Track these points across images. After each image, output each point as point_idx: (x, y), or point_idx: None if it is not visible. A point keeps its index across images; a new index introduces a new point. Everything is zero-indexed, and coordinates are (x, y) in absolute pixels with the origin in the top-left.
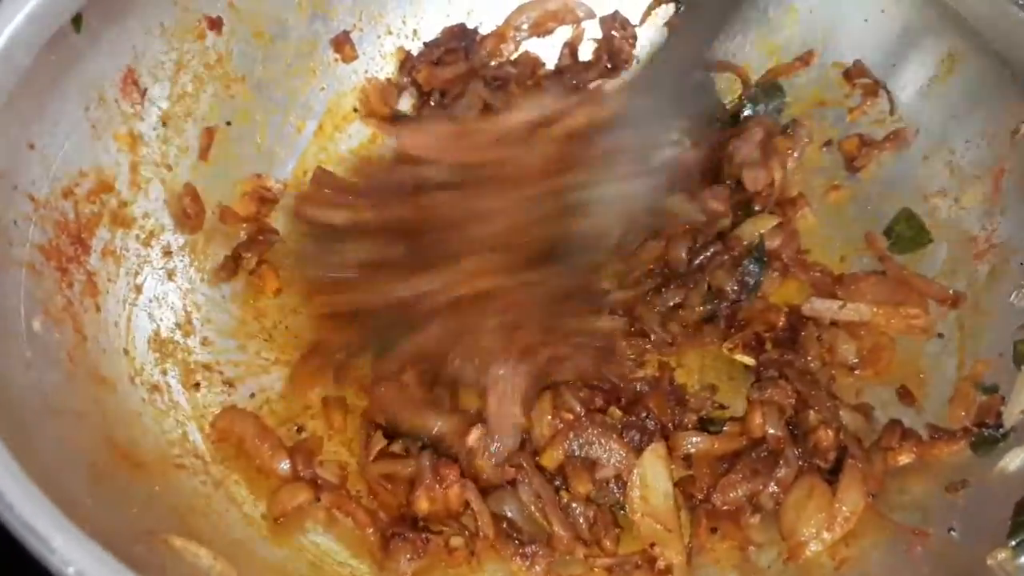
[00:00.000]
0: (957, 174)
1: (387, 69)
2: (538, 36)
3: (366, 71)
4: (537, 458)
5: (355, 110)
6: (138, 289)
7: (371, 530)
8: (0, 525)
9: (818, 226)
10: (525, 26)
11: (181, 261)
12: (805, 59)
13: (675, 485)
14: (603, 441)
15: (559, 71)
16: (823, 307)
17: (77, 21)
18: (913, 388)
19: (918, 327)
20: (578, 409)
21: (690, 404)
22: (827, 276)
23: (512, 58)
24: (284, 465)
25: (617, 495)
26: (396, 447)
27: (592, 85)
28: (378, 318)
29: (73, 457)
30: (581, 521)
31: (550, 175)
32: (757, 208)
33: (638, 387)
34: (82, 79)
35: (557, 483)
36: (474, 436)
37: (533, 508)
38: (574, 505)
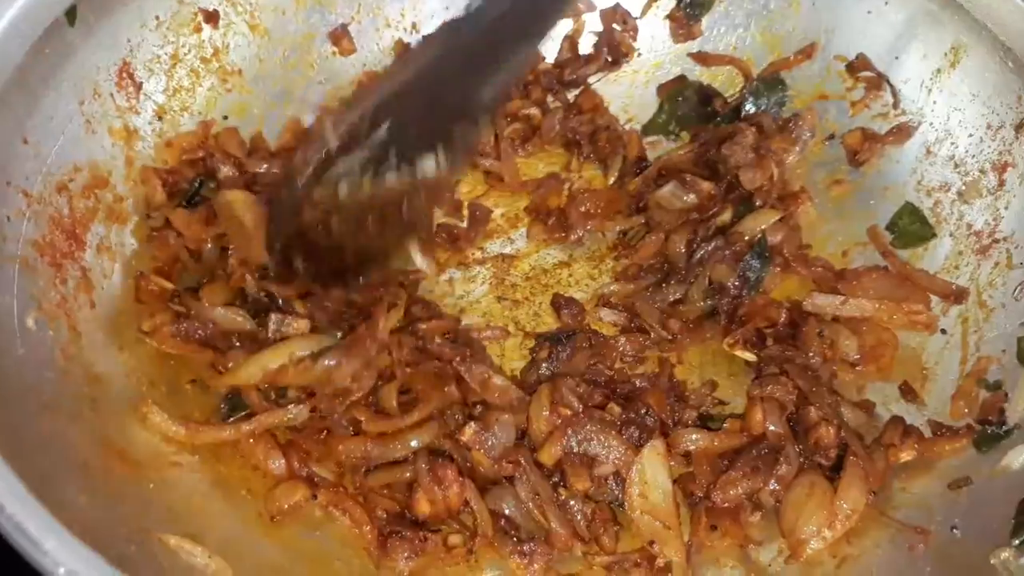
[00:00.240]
0: (961, 168)
1: (385, 63)
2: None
3: (364, 65)
4: (535, 454)
5: None
6: None
7: (368, 528)
8: None
9: (820, 221)
10: None
11: None
12: (807, 52)
13: (675, 482)
14: (602, 438)
15: (559, 65)
16: (825, 303)
17: (71, 14)
18: (915, 384)
19: (920, 323)
20: (576, 405)
21: (690, 400)
22: (829, 271)
23: None
24: (279, 463)
25: (616, 492)
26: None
27: (592, 79)
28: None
29: (66, 456)
30: (579, 518)
31: None
32: (758, 203)
33: (637, 383)
34: (76, 73)
35: (555, 480)
36: (469, 432)
37: (531, 505)
38: (572, 503)
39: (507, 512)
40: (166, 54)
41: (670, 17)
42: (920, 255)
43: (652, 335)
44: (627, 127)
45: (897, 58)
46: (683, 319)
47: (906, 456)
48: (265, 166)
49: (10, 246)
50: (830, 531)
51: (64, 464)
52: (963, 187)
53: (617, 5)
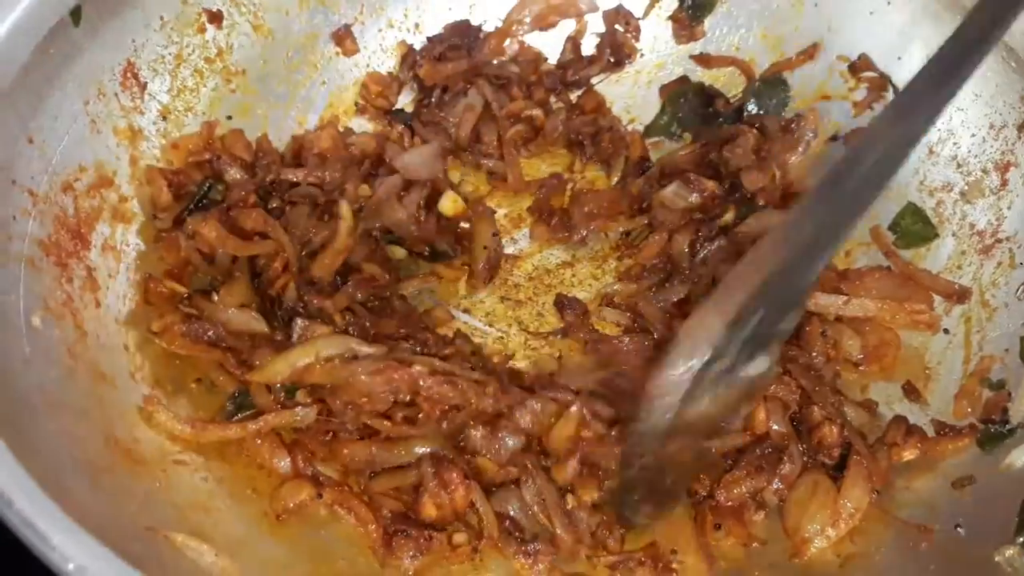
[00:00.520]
0: (963, 168)
1: (388, 63)
2: (540, 29)
3: (367, 65)
4: (545, 461)
5: (356, 104)
6: None
7: (373, 527)
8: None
9: None
10: (528, 19)
11: None
12: (810, 53)
13: None
14: (616, 451)
15: (561, 66)
16: (828, 302)
17: (76, 14)
18: (919, 384)
19: (923, 323)
20: (603, 430)
21: None
22: (832, 271)
23: (514, 55)
24: (285, 462)
25: None
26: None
27: (594, 80)
28: None
29: (73, 454)
30: (584, 527)
31: None
32: (761, 203)
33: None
34: (81, 73)
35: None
36: (477, 435)
37: (536, 509)
38: (580, 513)
39: (512, 514)
40: (170, 54)
41: (672, 18)
42: (923, 255)
43: (655, 335)
44: (630, 128)
45: (899, 58)
46: (687, 319)
47: (909, 455)
48: (300, 175)
49: (16, 245)
50: (834, 530)
51: (71, 462)
52: (966, 187)
53: (620, 6)
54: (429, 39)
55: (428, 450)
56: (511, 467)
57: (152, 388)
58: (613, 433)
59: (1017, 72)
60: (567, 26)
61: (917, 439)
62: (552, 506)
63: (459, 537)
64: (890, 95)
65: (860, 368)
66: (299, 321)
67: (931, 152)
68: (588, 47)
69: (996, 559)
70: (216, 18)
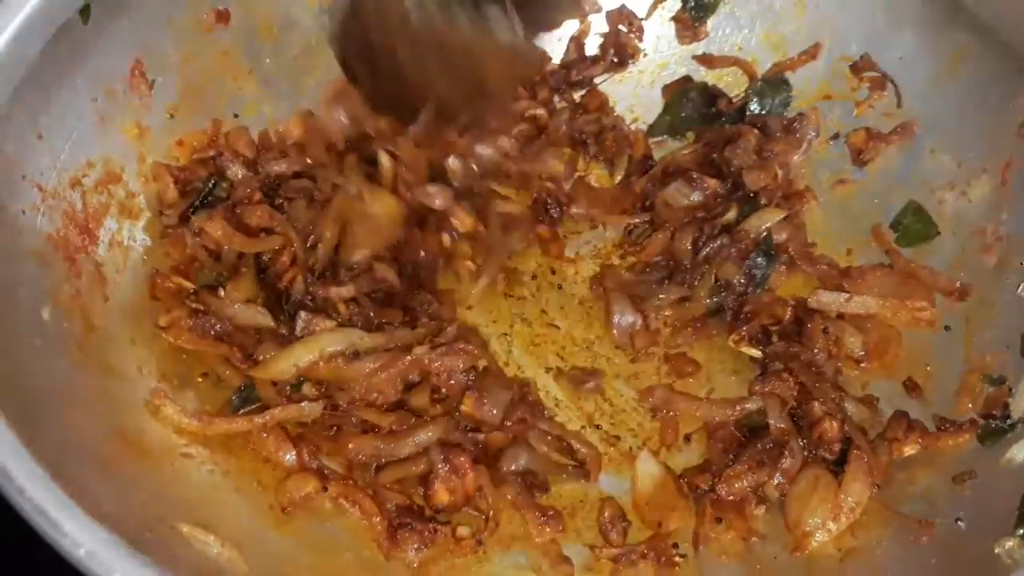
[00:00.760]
0: (964, 167)
1: None
2: (544, 30)
3: None
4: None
5: None
6: None
7: (378, 519)
8: (11, 508)
9: (825, 219)
10: None
11: None
12: (812, 53)
13: (680, 476)
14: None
15: (565, 66)
16: (830, 300)
17: (85, 13)
18: (920, 381)
19: (925, 320)
20: None
21: None
22: (834, 269)
23: None
24: (291, 456)
25: None
26: None
27: (598, 79)
28: None
29: (82, 445)
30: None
31: None
32: (763, 202)
33: None
34: (90, 71)
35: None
36: (469, 402)
37: (547, 449)
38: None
39: (523, 467)
40: (178, 53)
41: (676, 19)
42: (924, 253)
43: (658, 333)
44: (633, 127)
45: (901, 58)
46: (689, 316)
47: (910, 450)
48: (284, 165)
49: (25, 240)
50: (835, 524)
51: (80, 453)
52: (967, 186)
53: (623, 7)
54: None
55: (434, 439)
56: (513, 425)
57: (159, 382)
58: None
59: (1018, 71)
60: (571, 26)
61: (918, 434)
62: (562, 432)
63: (463, 530)
64: (891, 94)
65: (861, 365)
66: (303, 314)
67: (932, 151)
68: (592, 47)
69: (996, 551)
70: (223, 17)
